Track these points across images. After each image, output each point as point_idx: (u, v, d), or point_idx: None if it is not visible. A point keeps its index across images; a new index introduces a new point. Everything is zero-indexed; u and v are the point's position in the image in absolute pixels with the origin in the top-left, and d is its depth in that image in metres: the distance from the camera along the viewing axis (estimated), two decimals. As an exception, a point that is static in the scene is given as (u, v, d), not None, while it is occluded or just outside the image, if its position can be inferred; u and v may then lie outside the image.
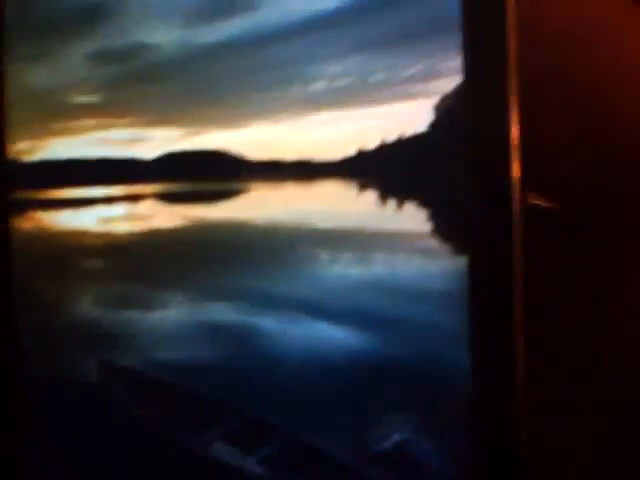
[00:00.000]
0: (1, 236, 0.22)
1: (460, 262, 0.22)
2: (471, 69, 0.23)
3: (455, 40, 0.23)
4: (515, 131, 0.24)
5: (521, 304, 0.23)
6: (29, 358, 0.23)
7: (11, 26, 0.22)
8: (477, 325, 0.22)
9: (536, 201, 0.27)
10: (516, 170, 0.25)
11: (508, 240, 0.23)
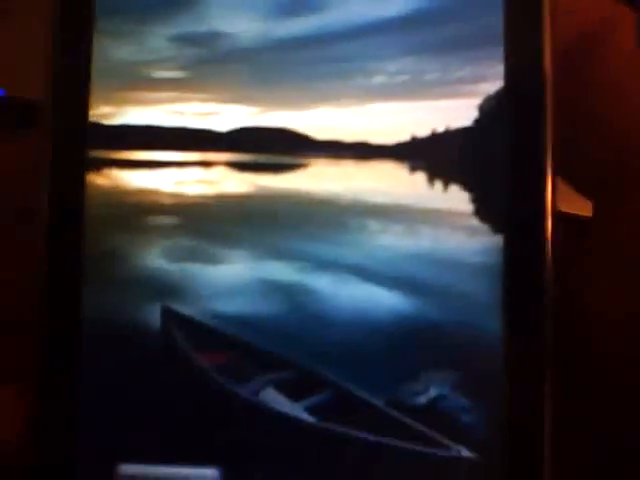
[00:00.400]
0: (75, 189, 0.23)
1: (497, 240, 0.23)
2: (511, 76, 0.24)
3: (498, 50, 0.24)
4: (550, 131, 0.24)
5: (550, 281, 0.23)
6: (96, 305, 0.24)
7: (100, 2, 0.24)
8: (509, 296, 0.23)
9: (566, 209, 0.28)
10: (550, 166, 0.25)
11: (541, 224, 0.23)
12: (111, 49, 0.22)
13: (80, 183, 0.23)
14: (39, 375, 0.22)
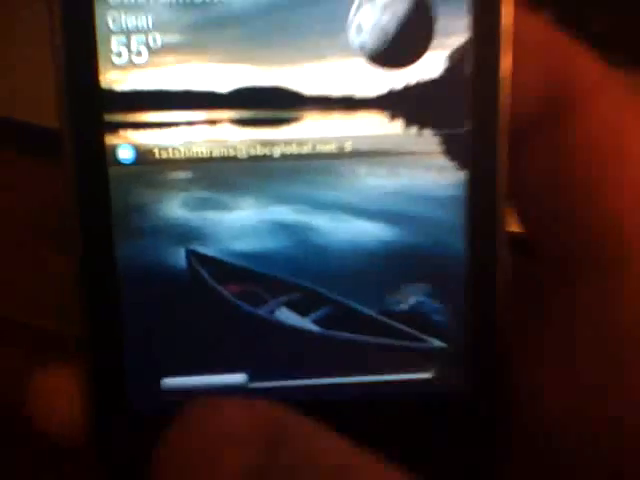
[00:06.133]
0: (99, 150, 0.23)
1: (461, 176, 0.23)
2: (475, 29, 0.23)
3: (461, 8, 0.22)
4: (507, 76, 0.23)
5: (502, 203, 0.24)
6: (129, 255, 0.23)
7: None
8: (470, 219, 0.24)
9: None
10: (505, 107, 0.24)
11: (496, 157, 0.24)
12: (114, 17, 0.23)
13: (101, 144, 0.23)
14: (85, 325, 0.23)
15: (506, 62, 0.23)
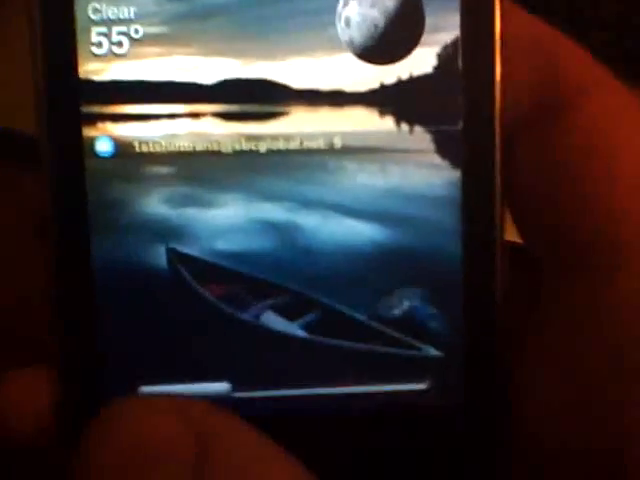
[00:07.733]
0: (76, 142, 0.22)
1: (456, 174, 0.23)
2: (465, 27, 0.23)
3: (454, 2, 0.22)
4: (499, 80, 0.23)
5: (500, 198, 0.23)
6: (106, 252, 0.22)
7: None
8: (466, 220, 0.23)
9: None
10: (498, 104, 0.24)
11: (491, 156, 0.23)
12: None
13: (78, 135, 0.22)
14: (57, 324, 0.22)
15: (498, 59, 0.22)
